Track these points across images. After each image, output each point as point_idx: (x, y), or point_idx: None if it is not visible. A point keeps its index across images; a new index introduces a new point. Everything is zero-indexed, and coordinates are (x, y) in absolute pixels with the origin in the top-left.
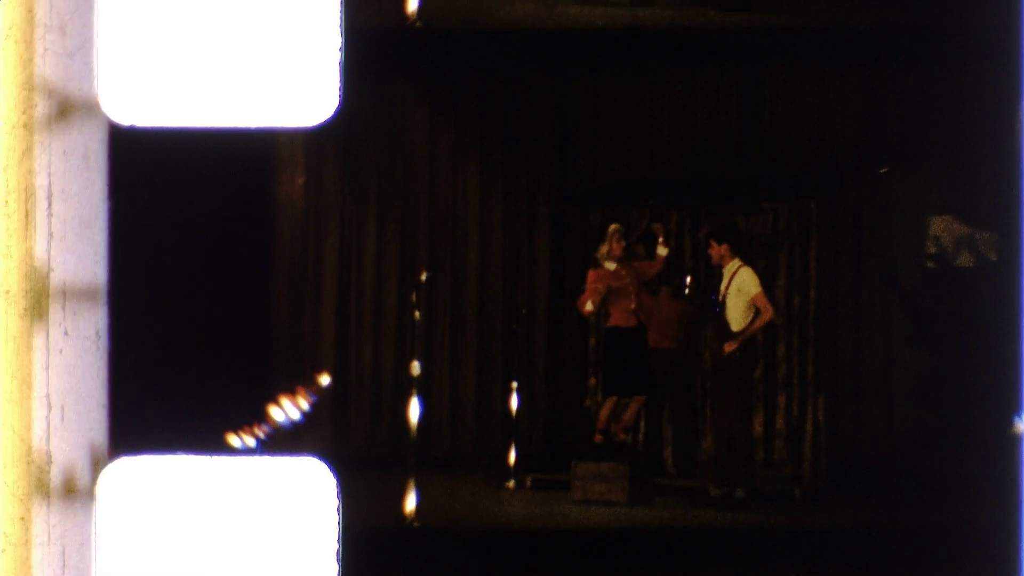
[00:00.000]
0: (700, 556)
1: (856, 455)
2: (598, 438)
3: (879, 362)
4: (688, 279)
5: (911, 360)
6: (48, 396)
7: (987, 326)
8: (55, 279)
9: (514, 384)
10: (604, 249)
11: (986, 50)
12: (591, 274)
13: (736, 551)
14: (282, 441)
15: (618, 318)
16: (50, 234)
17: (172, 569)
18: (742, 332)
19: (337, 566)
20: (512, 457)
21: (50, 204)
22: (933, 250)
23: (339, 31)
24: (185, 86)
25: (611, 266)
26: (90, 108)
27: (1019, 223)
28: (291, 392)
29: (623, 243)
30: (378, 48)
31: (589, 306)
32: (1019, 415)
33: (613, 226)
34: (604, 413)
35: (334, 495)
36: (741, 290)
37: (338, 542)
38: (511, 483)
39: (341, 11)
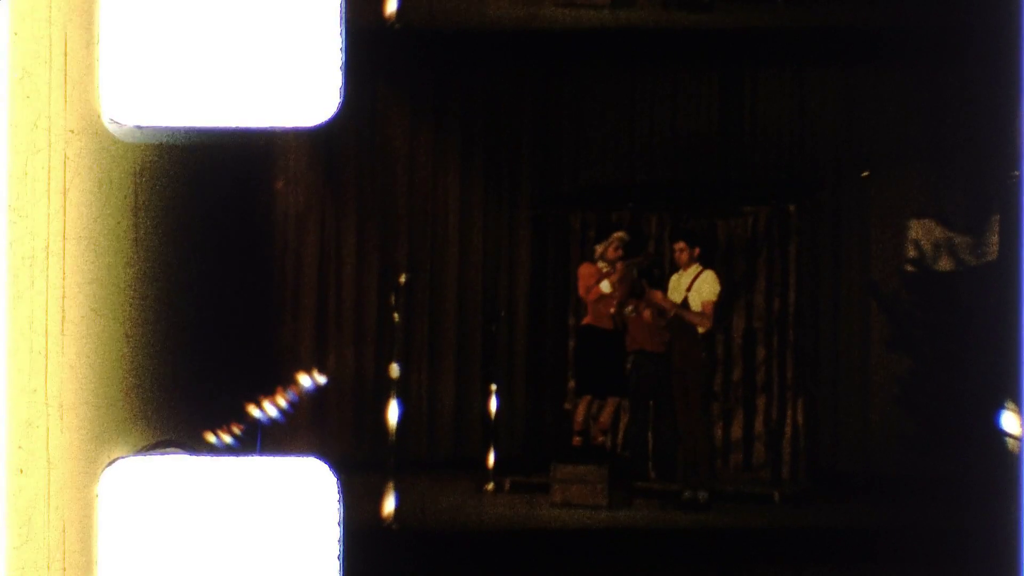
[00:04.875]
0: (680, 557)
1: (835, 459)
2: (577, 440)
3: (858, 366)
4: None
5: (890, 364)
6: (48, 394)
7: (966, 330)
8: (59, 279)
9: (493, 386)
10: (600, 249)
11: (974, 50)
12: (586, 267)
13: (716, 552)
14: (262, 441)
15: (595, 317)
16: (55, 238)
17: (173, 569)
18: (675, 307)
19: (339, 566)
20: (491, 460)
21: (52, 204)
22: (913, 254)
23: (340, 31)
24: (186, 85)
25: (606, 288)
26: (91, 108)
27: (1019, 224)
28: (270, 393)
29: (620, 252)
30: (357, 49)
31: (606, 286)
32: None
33: (618, 233)
34: (580, 414)
35: (335, 495)
36: (701, 292)
37: (340, 542)
38: (490, 486)
39: (342, 10)
